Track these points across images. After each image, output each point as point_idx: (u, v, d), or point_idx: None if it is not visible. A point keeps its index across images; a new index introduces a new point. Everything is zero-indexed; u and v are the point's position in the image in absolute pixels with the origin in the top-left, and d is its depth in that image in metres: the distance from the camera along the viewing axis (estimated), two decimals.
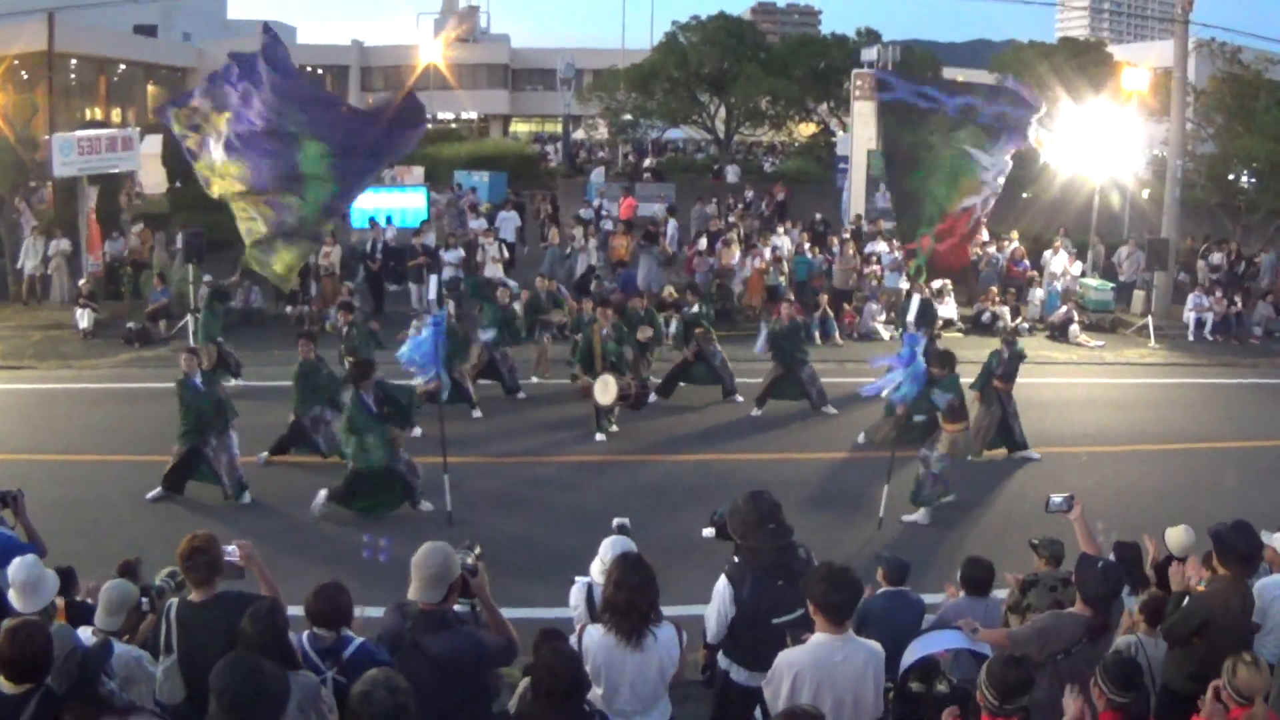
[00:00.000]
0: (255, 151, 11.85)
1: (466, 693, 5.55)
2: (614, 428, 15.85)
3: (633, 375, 15.63)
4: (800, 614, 6.29)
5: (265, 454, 14.29)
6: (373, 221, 25.45)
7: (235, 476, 13.12)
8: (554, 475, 14.44)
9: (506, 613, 6.09)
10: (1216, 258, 28.25)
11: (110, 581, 6.52)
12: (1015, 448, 15.21)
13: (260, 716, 4.63)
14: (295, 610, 5.79)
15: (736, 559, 6.58)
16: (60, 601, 6.56)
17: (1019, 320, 23.88)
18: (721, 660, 6.68)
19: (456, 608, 5.91)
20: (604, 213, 31.23)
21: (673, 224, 28.99)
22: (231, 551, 6.10)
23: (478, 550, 6.45)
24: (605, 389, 15.31)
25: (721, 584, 6.52)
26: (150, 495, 12.93)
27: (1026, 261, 26.77)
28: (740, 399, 17.39)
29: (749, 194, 37.06)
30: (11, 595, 6.10)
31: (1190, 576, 7.06)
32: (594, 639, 5.85)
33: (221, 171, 12.02)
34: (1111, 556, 7.66)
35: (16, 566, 6.11)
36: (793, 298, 21.02)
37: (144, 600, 6.60)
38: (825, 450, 15.46)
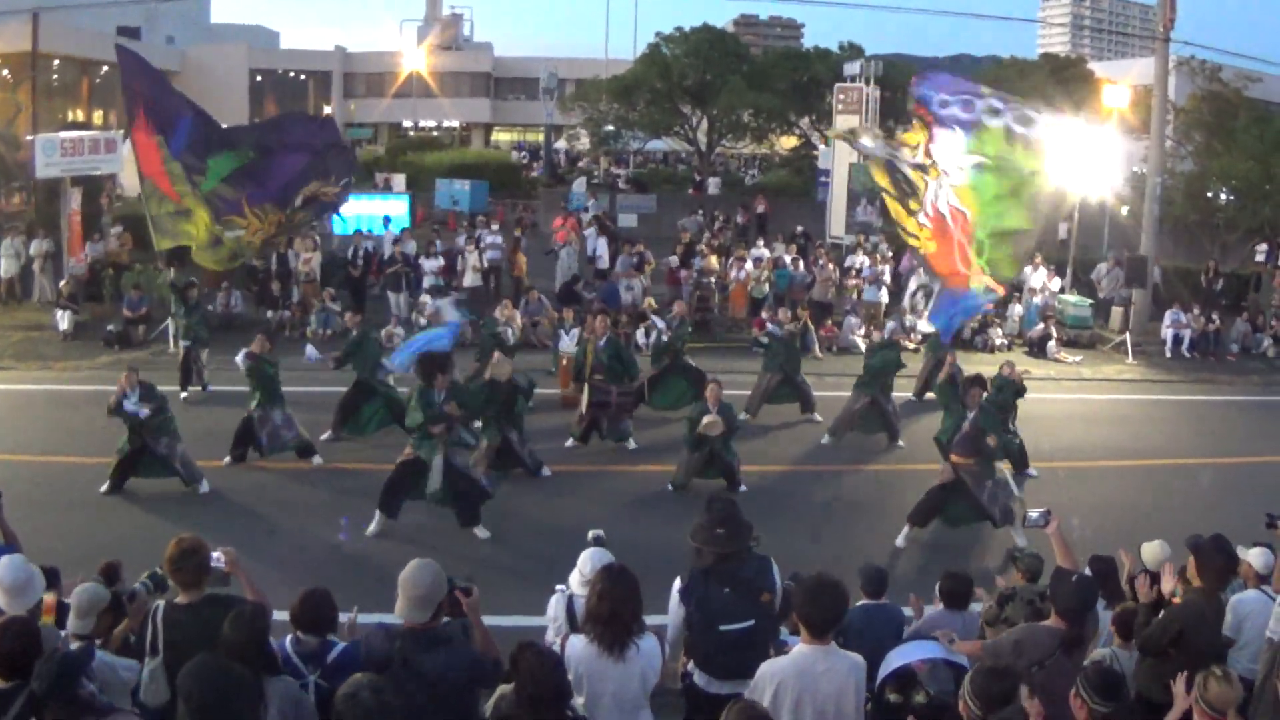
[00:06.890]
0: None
1: (458, 711, 5.47)
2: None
3: (618, 386, 15.55)
4: (750, 625, 6.34)
5: (227, 458, 14.35)
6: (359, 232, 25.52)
7: (191, 469, 13.35)
8: (535, 484, 14.32)
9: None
10: None
11: (80, 585, 6.48)
12: None
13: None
14: (280, 615, 5.79)
15: None
16: (50, 598, 6.53)
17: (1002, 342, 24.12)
18: (690, 665, 6.71)
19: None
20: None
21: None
22: (216, 558, 6.11)
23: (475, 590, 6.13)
24: (714, 425, 13.48)
25: (676, 583, 6.56)
26: (102, 489, 13.16)
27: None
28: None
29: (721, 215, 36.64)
30: None
31: (1166, 587, 7.16)
32: (576, 649, 5.84)
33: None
34: (1087, 570, 7.73)
35: (5, 567, 6.09)
36: (777, 311, 21.17)
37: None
38: (821, 463, 15.62)
